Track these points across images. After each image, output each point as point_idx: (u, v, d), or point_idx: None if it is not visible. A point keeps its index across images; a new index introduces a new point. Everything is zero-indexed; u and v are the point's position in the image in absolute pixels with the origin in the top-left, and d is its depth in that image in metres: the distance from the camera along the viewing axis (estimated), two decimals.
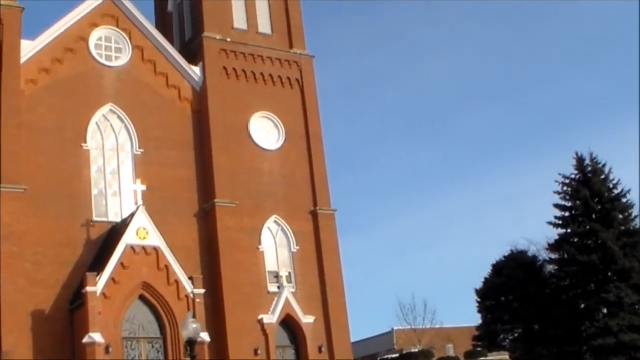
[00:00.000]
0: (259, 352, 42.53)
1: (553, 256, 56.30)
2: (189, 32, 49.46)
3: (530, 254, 58.47)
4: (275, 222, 45.99)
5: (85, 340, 35.83)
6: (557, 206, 55.72)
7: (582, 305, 53.14)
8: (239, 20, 49.03)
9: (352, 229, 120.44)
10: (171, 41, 48.07)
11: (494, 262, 59.11)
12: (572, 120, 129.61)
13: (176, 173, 44.16)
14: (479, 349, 54.32)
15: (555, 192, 55.93)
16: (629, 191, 55.04)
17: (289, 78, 49.43)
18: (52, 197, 40.12)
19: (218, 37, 47.28)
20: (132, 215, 39.50)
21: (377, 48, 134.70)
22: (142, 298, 38.56)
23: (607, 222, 53.62)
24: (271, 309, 43.67)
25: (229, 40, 47.67)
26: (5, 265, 37.14)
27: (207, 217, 44.16)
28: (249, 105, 47.27)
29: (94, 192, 41.79)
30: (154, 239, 38.98)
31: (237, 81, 47.53)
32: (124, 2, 44.88)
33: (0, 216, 37.72)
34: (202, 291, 39.53)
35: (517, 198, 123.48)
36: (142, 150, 43.47)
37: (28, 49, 41.38)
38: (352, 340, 47.57)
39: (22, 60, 40.94)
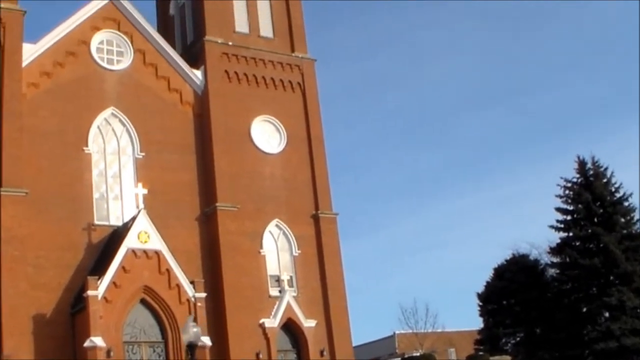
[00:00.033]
0: (261, 356, 42.50)
1: (555, 260, 56.14)
2: (190, 36, 49.48)
3: (531, 257, 58.32)
4: (277, 225, 45.97)
5: (87, 344, 35.83)
6: (558, 209, 55.59)
7: (584, 309, 52.98)
8: (241, 24, 49.04)
9: (353, 232, 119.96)
10: (173, 44, 48.05)
11: (496, 265, 58.97)
12: (573, 124, 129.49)
13: (177, 176, 44.15)
14: (480, 353, 54.15)
15: (556, 196, 55.83)
16: (630, 194, 54.94)
17: (290, 81, 49.44)
18: (54, 200, 40.14)
19: (219, 41, 47.29)
20: (134, 218, 39.48)
21: (379, 51, 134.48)
22: (143, 302, 38.52)
23: (608, 226, 53.49)
24: (272, 313, 43.65)
25: (230, 43, 47.68)
26: (6, 268, 37.19)
27: (208, 221, 44.14)
28: (250, 109, 47.28)
29: (95, 195, 41.80)
30: (155, 242, 38.95)
31: (239, 85, 47.54)
32: (126, 5, 44.91)
33: (1, 220, 37.80)
34: (204, 295, 39.48)
35: (518, 201, 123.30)
36: (143, 154, 43.47)
37: (29, 52, 41.42)
38: (354, 344, 47.58)
39: (24, 64, 41.00)
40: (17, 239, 37.91)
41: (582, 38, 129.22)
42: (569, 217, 55.37)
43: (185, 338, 25.68)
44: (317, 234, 46.96)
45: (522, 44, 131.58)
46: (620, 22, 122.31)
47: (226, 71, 47.14)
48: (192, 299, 38.92)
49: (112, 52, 44.44)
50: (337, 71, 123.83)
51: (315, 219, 47.23)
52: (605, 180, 55.38)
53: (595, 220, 54.16)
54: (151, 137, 43.96)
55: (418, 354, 53.64)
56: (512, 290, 55.81)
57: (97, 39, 44.07)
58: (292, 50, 50.11)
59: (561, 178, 55.93)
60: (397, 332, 75.67)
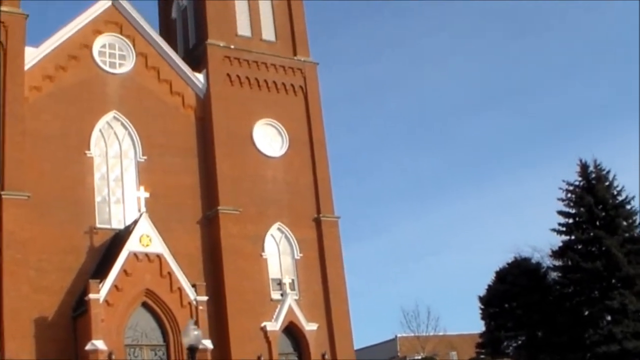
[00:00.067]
0: (262, 359, 42.46)
1: (557, 263, 56.09)
2: (192, 39, 49.53)
3: (533, 260, 58.27)
4: (279, 229, 45.98)
5: (88, 347, 35.82)
6: (560, 213, 55.55)
7: (586, 312, 52.92)
8: (243, 27, 49.08)
9: (355, 235, 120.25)
10: (175, 48, 48.11)
11: (498, 269, 58.94)
12: (575, 127, 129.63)
13: (179, 180, 44.18)
14: (482, 356, 54.17)
15: (558, 199, 55.79)
16: (633, 198, 54.90)
17: (292, 85, 49.46)
18: (56, 204, 40.19)
19: (222, 44, 47.34)
20: (135, 222, 39.51)
21: (381, 55, 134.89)
22: (144, 305, 38.54)
23: (611, 229, 53.44)
24: (274, 316, 43.65)
25: (232, 47, 47.72)
26: (9, 272, 37.22)
27: (210, 224, 44.17)
28: (252, 112, 47.30)
29: (97, 199, 41.84)
30: (157, 246, 38.97)
31: (241, 88, 47.58)
32: (128, 9, 44.96)
33: (3, 223, 37.83)
34: (205, 298, 39.50)
35: (520, 205, 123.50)
36: (145, 157, 43.51)
37: (32, 56, 41.47)
38: (355, 348, 47.61)
39: (26, 67, 41.02)
40: (19, 242, 37.92)
41: (584, 40, 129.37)
42: (571, 221, 55.33)
43: (186, 341, 25.70)
44: (319, 238, 46.95)
45: (523, 46, 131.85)
46: (623, 24, 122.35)
47: (228, 74, 47.18)
48: (194, 302, 38.91)
49: (114, 55, 44.48)
50: (339, 74, 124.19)
51: (317, 222, 47.23)
52: (607, 184, 55.34)
53: (598, 223, 54.12)
54: (153, 140, 44.00)
55: (420, 357, 53.76)
56: (513, 293, 55.76)
57: (99, 43, 44.13)
58: (294, 54, 50.15)
59: (563, 181, 55.95)
60: (398, 335, 75.81)
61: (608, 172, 55.74)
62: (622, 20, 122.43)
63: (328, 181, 48.48)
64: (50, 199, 40.02)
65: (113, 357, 36.07)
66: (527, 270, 56.93)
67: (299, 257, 45.97)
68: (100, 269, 38.91)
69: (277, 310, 43.82)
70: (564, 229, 55.25)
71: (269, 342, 43.05)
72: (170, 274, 38.84)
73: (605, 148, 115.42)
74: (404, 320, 64.94)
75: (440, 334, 65.47)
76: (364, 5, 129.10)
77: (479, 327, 60.45)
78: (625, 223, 54.42)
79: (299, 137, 48.39)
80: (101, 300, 36.58)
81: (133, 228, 39.09)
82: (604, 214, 54.29)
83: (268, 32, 50.04)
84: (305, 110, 49.29)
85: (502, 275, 57.96)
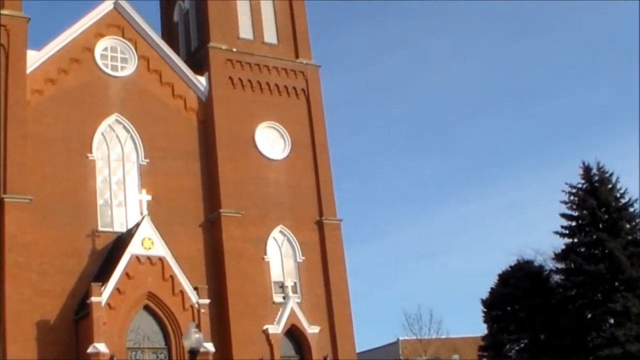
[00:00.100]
0: None
1: (559, 266, 55.95)
2: (194, 42, 49.54)
3: (536, 263, 58.11)
4: (281, 232, 45.95)
5: (90, 350, 35.82)
6: (563, 215, 55.42)
7: (589, 315, 52.79)
8: (245, 30, 49.09)
9: (357, 238, 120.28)
10: (177, 51, 48.14)
11: (500, 271, 58.77)
12: (578, 130, 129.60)
13: (182, 183, 44.19)
14: (484, 359, 54.01)
15: (561, 202, 55.63)
16: (636, 200, 54.70)
17: (294, 88, 49.45)
18: (58, 207, 40.21)
19: (224, 47, 47.35)
20: (137, 225, 39.51)
21: (383, 58, 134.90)
22: (146, 308, 38.53)
23: (614, 232, 53.32)
24: (276, 319, 43.60)
25: (234, 50, 47.73)
26: (11, 275, 37.27)
27: (212, 227, 44.15)
28: (254, 115, 47.30)
29: (100, 202, 41.86)
30: (159, 249, 38.97)
31: (243, 91, 47.58)
32: (130, 12, 44.98)
33: (6, 226, 37.89)
34: (207, 301, 39.47)
35: (523, 207, 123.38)
36: (147, 160, 43.53)
37: (34, 59, 41.52)
38: (358, 350, 47.48)
39: (28, 71, 41.09)
40: (22, 245, 37.96)
41: (586, 43, 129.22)
42: (573, 223, 55.20)
43: (187, 344, 25.67)
44: (321, 240, 46.91)
45: (526, 49, 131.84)
46: (626, 27, 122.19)
47: (230, 77, 47.19)
48: (196, 305, 38.90)
49: (116, 58, 44.53)
50: (341, 77, 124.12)
51: (320, 225, 47.19)
52: (610, 186, 55.21)
53: (600, 226, 54.00)
54: (155, 143, 44.02)
55: None
56: (516, 296, 55.65)
57: (101, 46, 44.18)
58: (296, 57, 50.14)
59: (566, 184, 55.80)
60: (401, 338, 75.69)
61: (611, 174, 55.62)
62: (625, 22, 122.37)
63: (330, 184, 48.45)
64: (52, 202, 40.04)
65: None
66: (529, 273, 56.80)
67: (301, 260, 45.93)
68: (103, 272, 38.91)
69: (279, 313, 43.76)
70: (566, 231, 55.12)
71: (271, 345, 42.99)
72: (172, 277, 38.83)
73: (608, 150, 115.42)
74: (406, 323, 64.80)
75: (443, 337, 65.34)
76: (366, 8, 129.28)
77: (482, 330, 60.35)
78: (628, 225, 54.30)
79: (301, 140, 48.37)
80: (103, 303, 36.58)
81: (135, 231, 39.09)
82: (606, 216, 54.17)
83: (270, 35, 50.05)
84: (308, 112, 49.28)
85: (505, 278, 57.84)
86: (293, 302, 44.12)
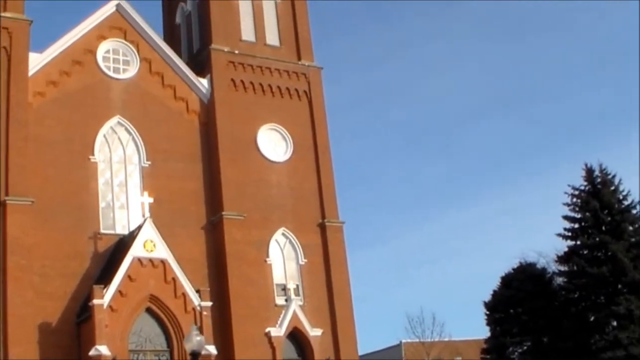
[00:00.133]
0: None
1: (562, 268, 55.79)
2: (196, 44, 49.52)
3: (539, 266, 57.95)
4: (283, 234, 45.90)
5: (92, 352, 35.78)
6: (566, 218, 55.28)
7: (592, 318, 52.65)
8: (247, 32, 49.08)
9: (360, 242, 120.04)
10: (179, 53, 48.13)
11: (503, 274, 58.60)
12: (580, 132, 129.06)
13: (184, 185, 44.16)
14: None
15: (564, 204, 55.48)
16: (638, 202, 54.64)
17: (296, 90, 49.42)
18: (60, 209, 40.19)
19: (226, 49, 47.32)
20: (139, 227, 39.47)
21: (385, 61, 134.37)
22: (148, 311, 38.49)
23: (617, 234, 53.17)
24: (278, 322, 43.55)
25: (236, 52, 47.71)
26: (13, 277, 37.24)
27: (214, 230, 44.11)
28: (256, 117, 47.27)
29: (102, 204, 41.83)
30: (161, 251, 38.93)
31: (245, 93, 47.55)
32: (132, 14, 44.97)
33: (7, 229, 37.86)
34: (209, 304, 39.42)
35: (525, 210, 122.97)
36: (149, 163, 43.50)
37: (36, 61, 41.52)
38: (360, 353, 47.42)
39: (30, 73, 41.08)
40: (23, 247, 37.95)
41: (586, 44, 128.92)
42: (576, 225, 55.06)
43: (189, 347, 25.67)
44: (324, 243, 46.86)
45: (526, 53, 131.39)
46: (628, 29, 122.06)
47: (232, 79, 47.16)
48: (198, 308, 38.86)
49: (118, 61, 44.54)
50: (344, 80, 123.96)
51: (322, 227, 47.14)
52: (613, 188, 55.06)
53: (603, 228, 53.86)
54: (157, 145, 43.99)
55: None
56: (519, 298, 55.52)
57: (103, 48, 44.18)
58: (299, 59, 50.11)
59: (569, 186, 55.64)
60: (403, 341, 75.47)
61: (614, 176, 55.48)
62: (627, 24, 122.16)
63: (333, 186, 48.38)
64: (54, 205, 40.02)
65: None
66: (532, 275, 56.67)
67: (303, 263, 45.87)
68: (105, 275, 38.87)
69: (281, 315, 43.72)
70: (569, 234, 54.98)
71: (273, 348, 42.95)
72: (174, 279, 38.79)
73: (610, 152, 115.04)
74: (408, 326, 64.44)
75: (446, 339, 65.07)
76: (369, 10, 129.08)
77: (484, 332, 60.17)
78: (631, 228, 54.15)
79: (304, 142, 48.33)
80: (105, 305, 36.54)
81: (137, 233, 39.04)
82: (609, 218, 54.03)
83: (272, 37, 50.03)
84: (310, 115, 49.24)
85: (508, 281, 57.70)
86: (295, 305, 44.06)
